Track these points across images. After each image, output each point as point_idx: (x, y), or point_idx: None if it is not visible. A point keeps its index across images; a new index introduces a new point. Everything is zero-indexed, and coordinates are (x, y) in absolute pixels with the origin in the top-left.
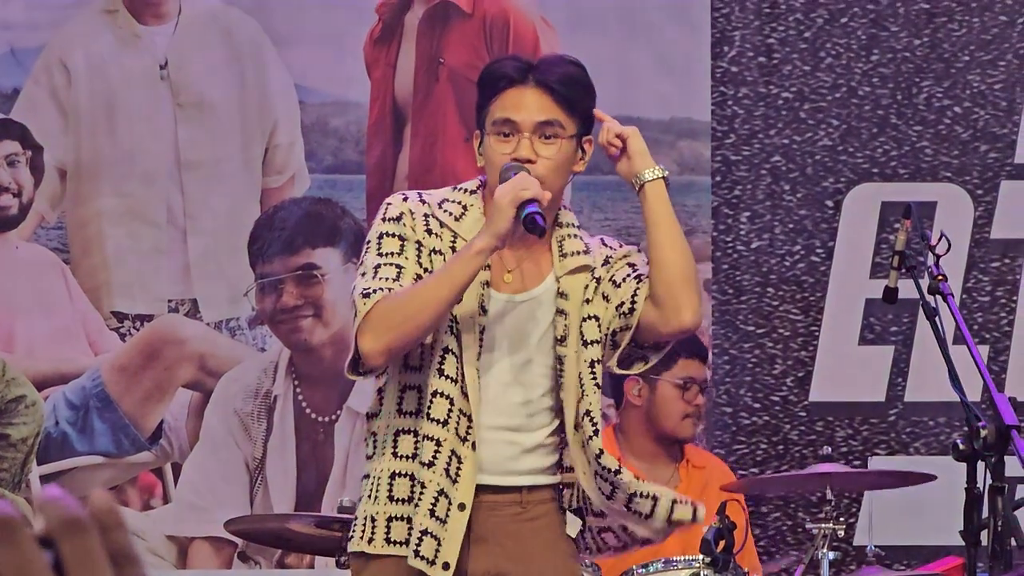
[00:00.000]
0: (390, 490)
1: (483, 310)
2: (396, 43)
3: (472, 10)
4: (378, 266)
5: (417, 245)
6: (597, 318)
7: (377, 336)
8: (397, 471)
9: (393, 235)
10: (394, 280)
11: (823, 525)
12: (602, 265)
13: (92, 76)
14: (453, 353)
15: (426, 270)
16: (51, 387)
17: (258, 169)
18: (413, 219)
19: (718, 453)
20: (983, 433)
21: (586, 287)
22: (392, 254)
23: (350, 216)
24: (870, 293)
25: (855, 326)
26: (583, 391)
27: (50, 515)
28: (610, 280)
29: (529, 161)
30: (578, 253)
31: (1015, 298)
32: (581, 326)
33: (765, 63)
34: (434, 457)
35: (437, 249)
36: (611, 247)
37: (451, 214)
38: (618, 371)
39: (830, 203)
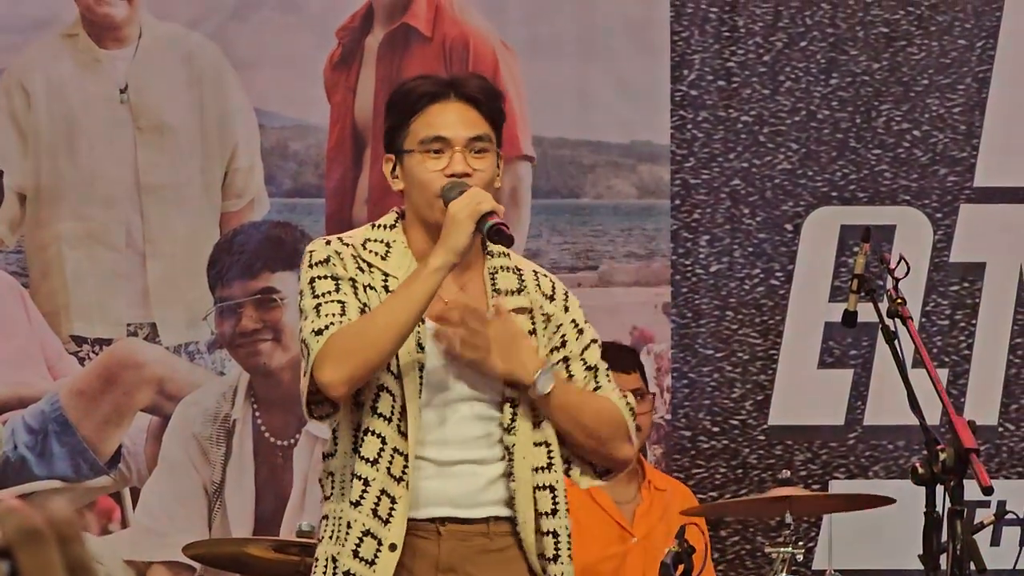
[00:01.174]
0: (349, 531)
1: (420, 347)
2: (356, 67)
3: (432, 34)
4: (318, 306)
5: (351, 282)
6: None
7: (337, 365)
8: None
9: (325, 276)
10: (340, 315)
11: (782, 549)
12: (548, 300)
13: (52, 99)
14: (389, 391)
15: (365, 305)
16: (9, 411)
17: (218, 193)
18: (341, 259)
19: (677, 477)
20: (942, 457)
21: (530, 324)
22: (329, 293)
23: (309, 240)
24: (829, 316)
25: (814, 350)
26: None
27: (8, 525)
28: (558, 331)
29: (466, 175)
30: (512, 292)
31: (974, 322)
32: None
33: (724, 87)
34: (361, 497)
35: (370, 285)
36: (551, 281)
37: (376, 254)
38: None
39: (789, 226)
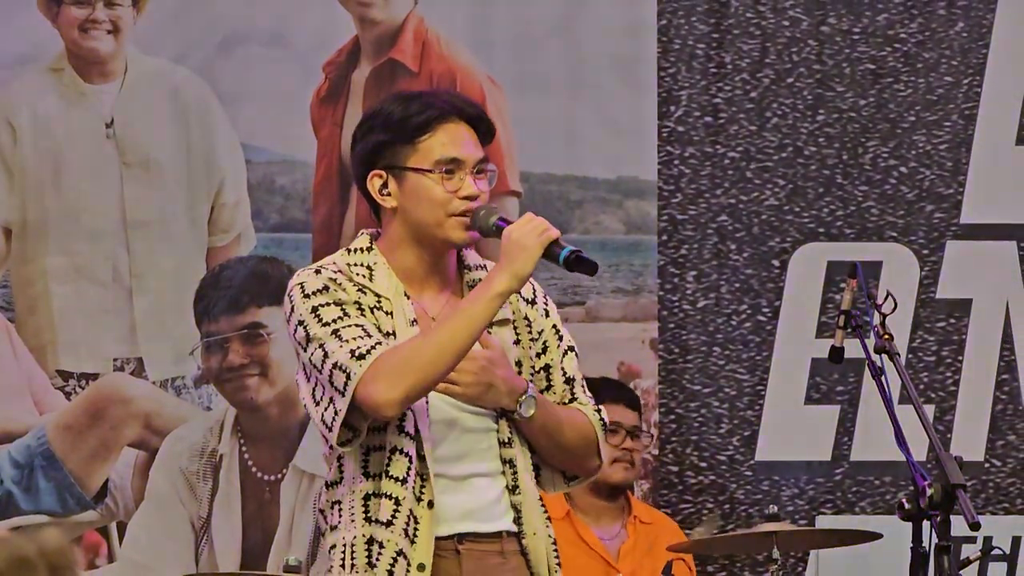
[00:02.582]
0: (368, 557)
1: None
2: (343, 102)
3: (419, 69)
4: (336, 331)
5: (357, 305)
6: (520, 363)
7: (392, 385)
8: (374, 537)
9: (328, 304)
10: (370, 337)
11: None
12: (529, 304)
13: (38, 134)
14: (410, 408)
15: (377, 326)
16: None
17: (204, 228)
18: (339, 285)
19: (664, 512)
20: (929, 492)
21: (514, 334)
22: (341, 318)
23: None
24: (816, 352)
25: (801, 385)
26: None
27: (0, 553)
28: (540, 336)
29: (475, 197)
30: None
31: (960, 358)
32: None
33: (711, 123)
34: (393, 516)
35: (374, 306)
36: (531, 284)
37: (364, 277)
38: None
39: (776, 263)
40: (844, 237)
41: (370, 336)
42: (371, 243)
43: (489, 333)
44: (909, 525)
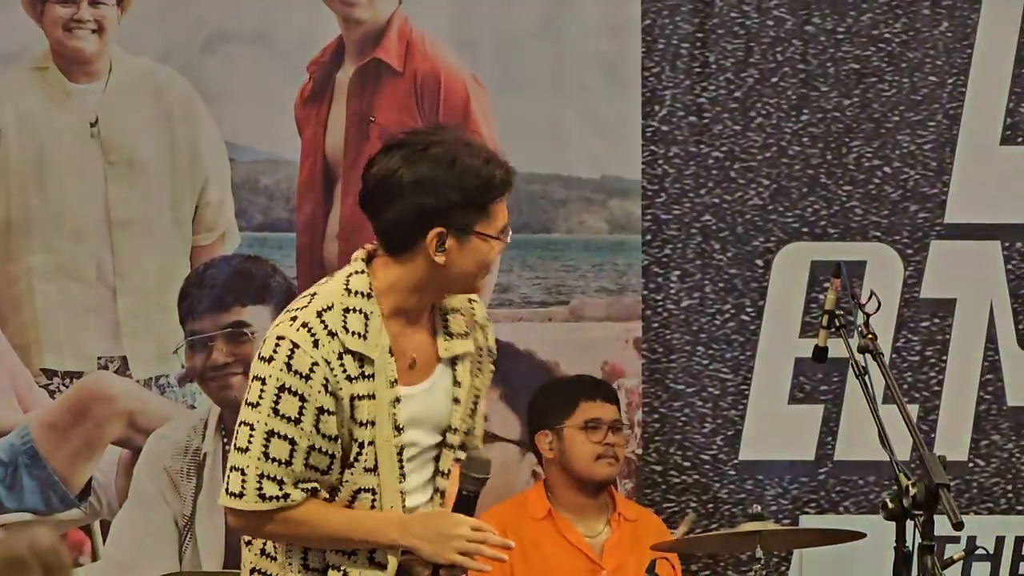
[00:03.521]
0: None
1: (398, 430)
2: (327, 101)
3: (403, 69)
4: (270, 434)
5: (317, 412)
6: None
7: (254, 531)
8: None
9: (295, 393)
10: (284, 465)
11: None
12: (481, 329)
13: (22, 133)
14: (372, 491)
15: (323, 435)
16: None
17: (188, 227)
18: (330, 369)
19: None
20: (912, 492)
21: (477, 367)
22: (288, 420)
23: (280, 274)
24: (800, 352)
25: (785, 385)
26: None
27: None
28: (483, 357)
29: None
30: (463, 336)
31: (944, 358)
32: (461, 415)
33: (696, 122)
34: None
35: (357, 395)
36: (478, 304)
37: (357, 334)
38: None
39: (760, 262)
40: (828, 237)
41: (288, 465)
42: (369, 288)
43: (457, 385)
44: (892, 525)
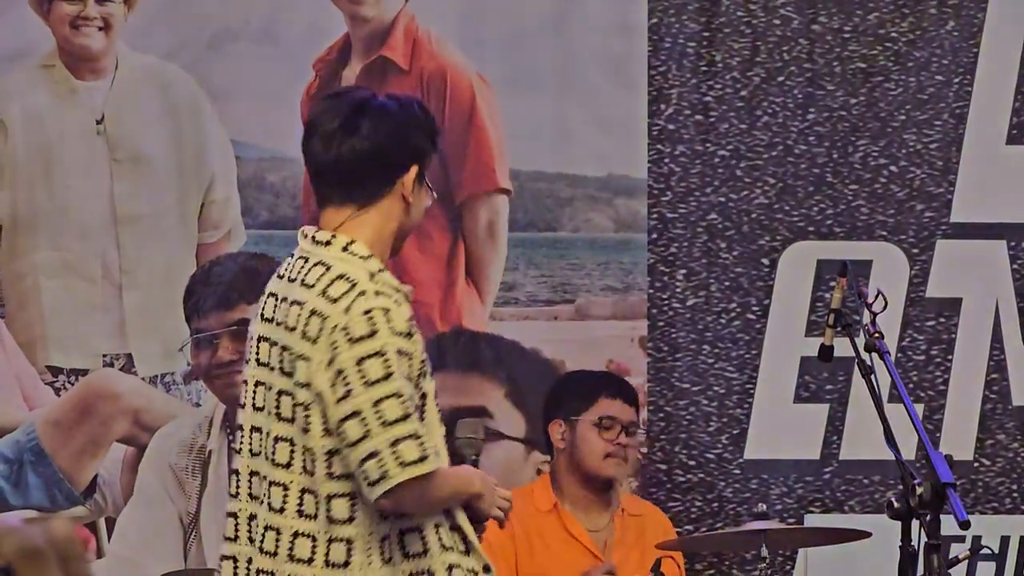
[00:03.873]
0: None
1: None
2: None
3: (409, 67)
4: (406, 400)
5: (421, 365)
6: None
7: (419, 502)
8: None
9: (407, 354)
10: (422, 424)
11: None
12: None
13: (28, 130)
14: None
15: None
16: None
17: (194, 224)
18: (415, 335)
19: None
20: (919, 491)
21: None
22: (408, 381)
23: None
24: (805, 351)
25: (790, 384)
26: None
27: (9, 544)
28: None
29: None
30: None
31: (950, 357)
32: None
33: (702, 121)
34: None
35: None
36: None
37: (397, 289)
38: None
39: (766, 261)
40: (834, 236)
41: (421, 420)
42: (367, 250)
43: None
44: (898, 524)
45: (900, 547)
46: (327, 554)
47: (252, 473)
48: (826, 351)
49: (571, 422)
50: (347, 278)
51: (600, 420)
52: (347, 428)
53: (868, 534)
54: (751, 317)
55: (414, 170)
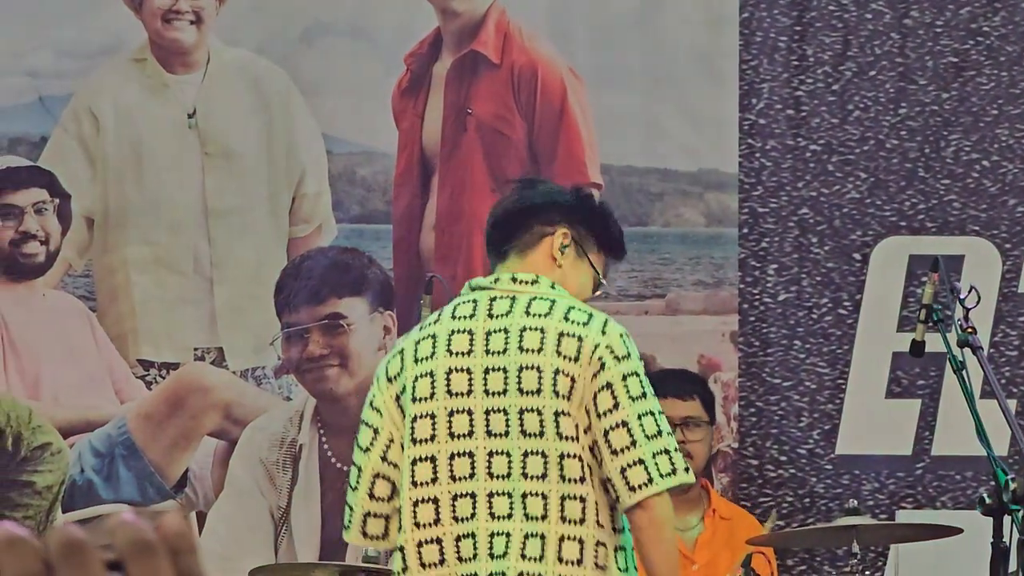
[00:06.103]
0: None
1: None
2: (424, 93)
3: (500, 61)
4: (662, 414)
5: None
6: None
7: (667, 519)
8: None
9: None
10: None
11: None
12: None
13: (120, 124)
14: None
15: None
16: (76, 435)
17: (285, 218)
18: None
19: (743, 505)
20: (1011, 487)
21: None
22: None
23: (377, 266)
24: (897, 346)
25: (882, 379)
26: None
27: (120, 537)
28: None
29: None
30: None
31: None
32: None
33: (793, 115)
34: None
35: None
36: None
37: None
38: None
39: (858, 256)
40: (926, 231)
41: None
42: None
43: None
44: (990, 520)
45: (992, 543)
46: (595, 557)
47: (497, 494)
48: (918, 346)
49: None
50: (579, 308)
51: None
52: (613, 437)
53: (960, 530)
54: (843, 312)
55: (564, 232)
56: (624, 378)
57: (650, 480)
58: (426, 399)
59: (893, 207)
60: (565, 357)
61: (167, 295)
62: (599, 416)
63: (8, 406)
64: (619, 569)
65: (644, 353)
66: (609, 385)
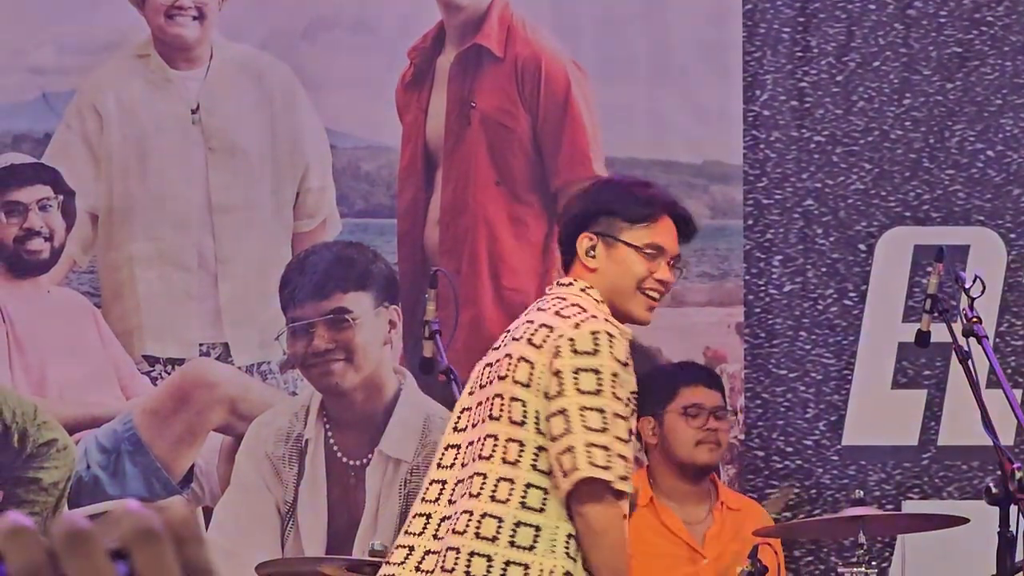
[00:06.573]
0: None
1: None
2: (428, 87)
3: (504, 54)
4: (616, 416)
5: (630, 396)
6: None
7: (603, 518)
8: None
9: (622, 382)
10: (626, 444)
11: (856, 569)
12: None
13: (124, 120)
14: None
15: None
16: (83, 431)
17: (289, 213)
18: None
19: (750, 496)
20: (1017, 476)
21: None
22: (623, 403)
23: (381, 260)
24: (903, 337)
25: (888, 370)
26: None
27: (125, 526)
28: None
29: (666, 285)
30: None
31: None
32: None
33: (797, 107)
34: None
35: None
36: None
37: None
38: None
39: (863, 247)
40: (931, 221)
41: (628, 462)
42: (599, 300)
43: None
44: (996, 510)
45: (998, 532)
46: (511, 536)
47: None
48: (923, 337)
49: (659, 416)
50: (579, 307)
51: (685, 409)
52: (552, 423)
53: (966, 520)
54: (848, 303)
55: (584, 237)
56: (577, 371)
57: (575, 467)
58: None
59: (898, 198)
60: (532, 345)
61: (172, 291)
62: (548, 402)
63: (14, 403)
64: (566, 555)
65: (650, 346)
66: (559, 373)
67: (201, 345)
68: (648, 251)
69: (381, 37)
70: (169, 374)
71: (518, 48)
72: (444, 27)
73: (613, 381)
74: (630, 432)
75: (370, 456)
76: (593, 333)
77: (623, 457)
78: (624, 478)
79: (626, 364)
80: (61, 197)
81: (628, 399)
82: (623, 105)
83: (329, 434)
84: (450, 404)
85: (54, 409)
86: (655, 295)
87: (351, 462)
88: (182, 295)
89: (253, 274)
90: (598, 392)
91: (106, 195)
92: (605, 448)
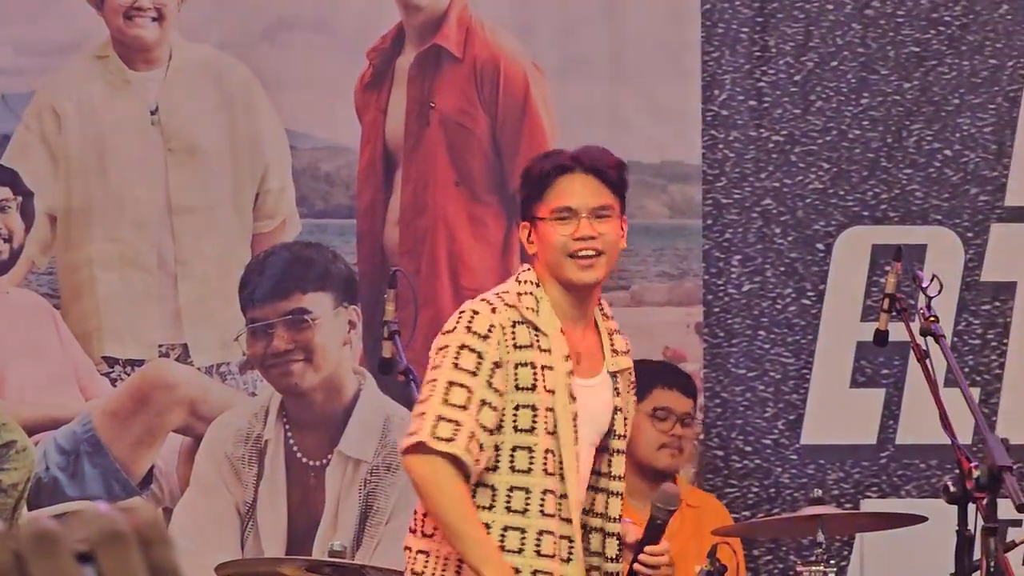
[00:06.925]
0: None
1: (572, 398)
2: (387, 88)
3: (463, 55)
4: (451, 383)
5: (493, 366)
6: (619, 409)
7: (421, 479)
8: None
9: (474, 351)
10: (462, 409)
11: (815, 568)
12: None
13: (83, 121)
14: (552, 452)
15: (495, 390)
16: (42, 432)
17: (249, 214)
18: (503, 334)
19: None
20: (975, 475)
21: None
22: (466, 372)
23: (341, 260)
24: (861, 336)
25: (846, 369)
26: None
27: (92, 528)
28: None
29: (592, 238)
30: (625, 353)
31: (1006, 341)
32: (624, 423)
33: (755, 106)
34: (548, 508)
35: (524, 362)
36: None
37: (531, 308)
38: None
39: (821, 246)
40: (888, 220)
41: (466, 408)
42: (537, 279)
43: (617, 395)
44: (955, 508)
45: (957, 531)
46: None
47: None
48: (881, 336)
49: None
50: (493, 292)
51: (655, 411)
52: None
53: (925, 518)
54: (806, 302)
55: (523, 227)
56: (436, 349)
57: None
58: None
59: (856, 197)
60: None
61: (131, 292)
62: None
63: None
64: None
65: None
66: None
67: (161, 346)
68: (558, 216)
69: (340, 38)
70: (129, 375)
71: (477, 49)
72: (403, 28)
73: (457, 353)
74: (470, 392)
75: (330, 456)
76: (459, 313)
77: (443, 418)
78: (442, 438)
79: (484, 336)
80: (20, 198)
81: (476, 366)
82: (582, 105)
83: (289, 434)
84: (410, 404)
85: (13, 410)
86: (585, 253)
87: (311, 462)
88: (141, 296)
89: (213, 275)
90: (438, 366)
91: (65, 196)
92: (422, 415)
